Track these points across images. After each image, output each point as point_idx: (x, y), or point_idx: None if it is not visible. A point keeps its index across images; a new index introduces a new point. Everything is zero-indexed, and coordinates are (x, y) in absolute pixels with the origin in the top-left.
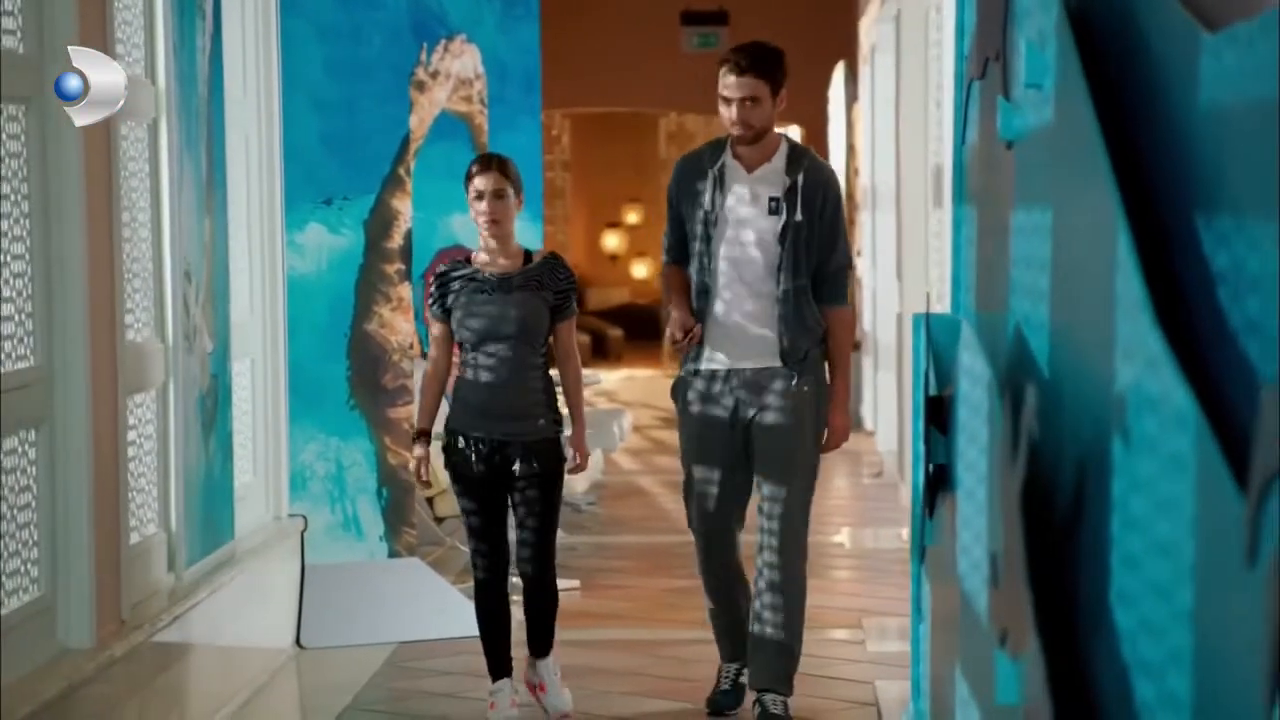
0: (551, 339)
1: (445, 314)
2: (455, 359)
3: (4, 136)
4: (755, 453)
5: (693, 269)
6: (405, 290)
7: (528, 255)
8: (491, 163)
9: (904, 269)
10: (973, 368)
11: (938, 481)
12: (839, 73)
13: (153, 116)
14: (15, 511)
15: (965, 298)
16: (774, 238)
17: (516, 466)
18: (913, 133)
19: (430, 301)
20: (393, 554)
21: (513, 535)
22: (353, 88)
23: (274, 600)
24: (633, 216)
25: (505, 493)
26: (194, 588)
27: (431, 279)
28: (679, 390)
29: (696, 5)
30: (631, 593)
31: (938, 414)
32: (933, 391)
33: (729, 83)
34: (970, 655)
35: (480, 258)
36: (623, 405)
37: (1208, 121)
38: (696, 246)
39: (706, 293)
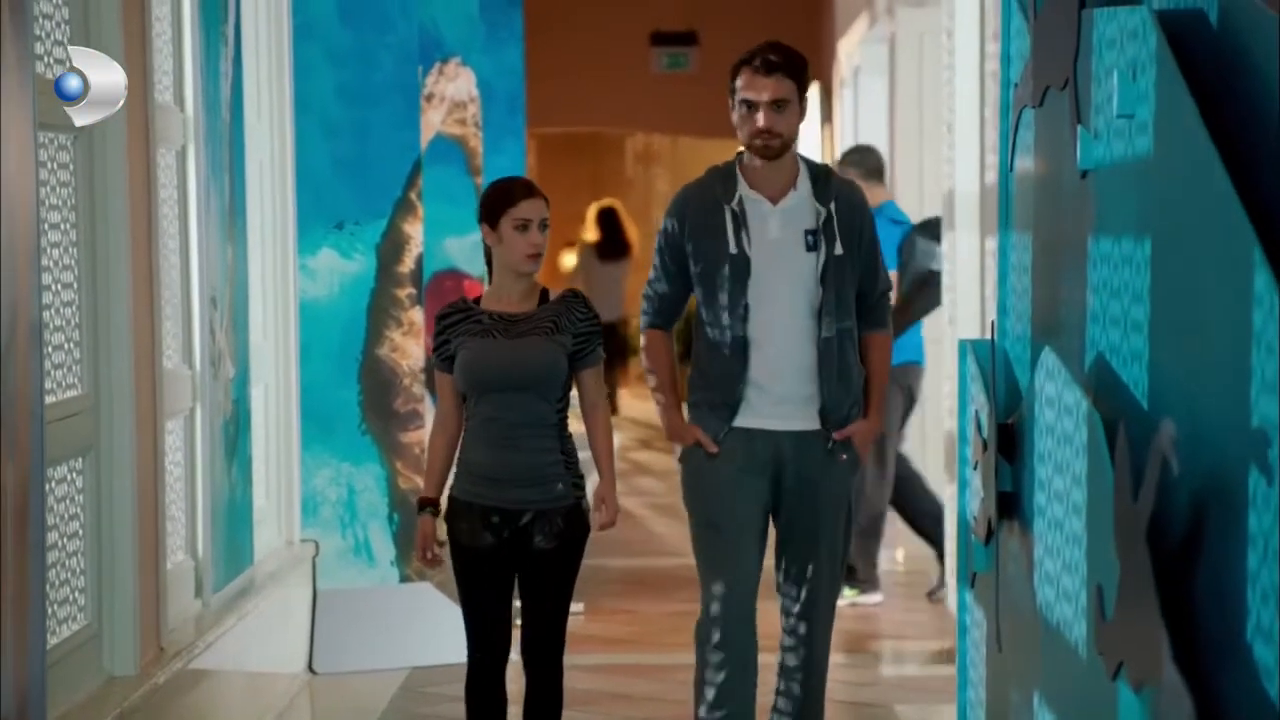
0: (575, 389)
1: (449, 363)
2: None
3: (54, 166)
4: (780, 528)
5: (716, 321)
6: (416, 314)
7: (544, 294)
8: (534, 188)
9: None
10: (1061, 397)
11: (1002, 509)
12: (812, 94)
13: (181, 144)
14: (65, 540)
15: (1017, 325)
16: (814, 277)
17: (535, 540)
18: (908, 156)
19: (434, 349)
20: (404, 579)
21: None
22: (364, 112)
23: (288, 625)
24: (590, 236)
25: (514, 569)
26: (221, 614)
27: (435, 323)
28: (696, 455)
29: (666, 26)
30: (634, 617)
31: (1005, 442)
32: (996, 420)
33: (756, 83)
34: (1059, 684)
35: (490, 296)
36: None
37: None
38: (721, 296)
39: (744, 348)
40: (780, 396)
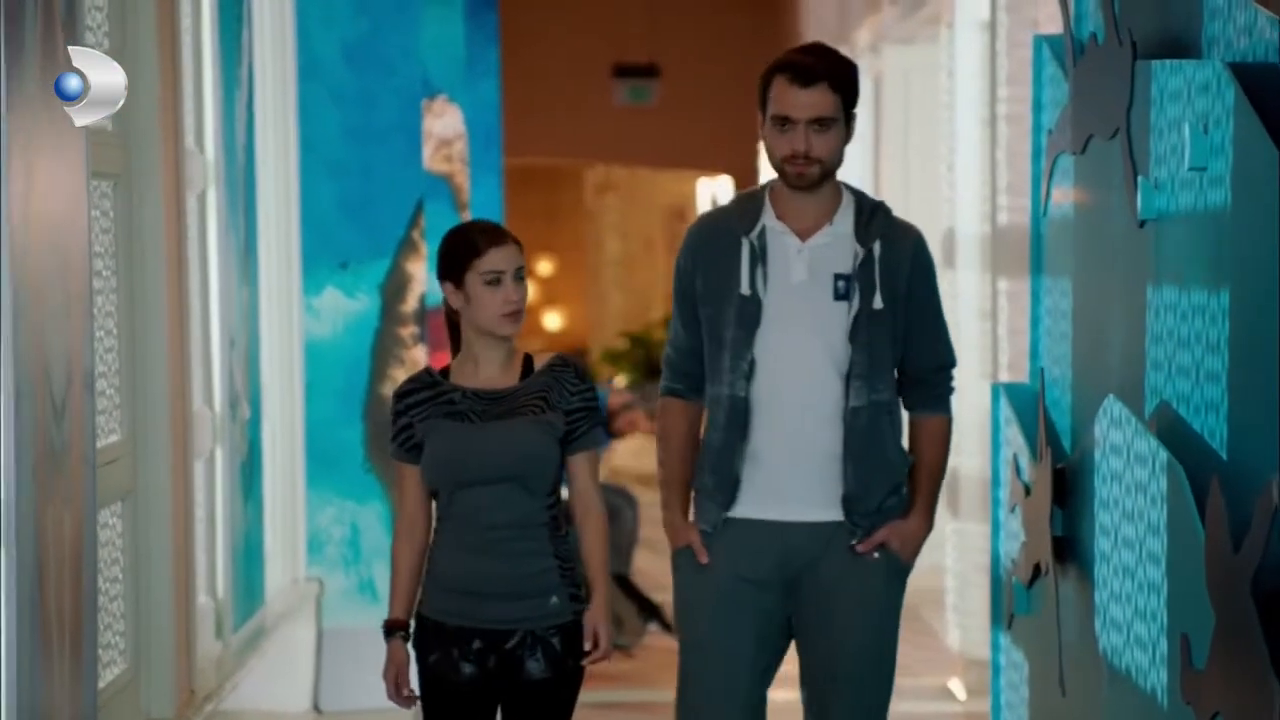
0: (564, 480)
1: (414, 452)
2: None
3: (97, 214)
4: (803, 651)
5: (718, 379)
6: (420, 353)
7: (528, 362)
8: (506, 233)
9: None
10: (1131, 445)
11: (1058, 551)
12: None
13: (202, 187)
14: (107, 584)
15: (1054, 370)
16: (842, 333)
17: (527, 668)
18: (893, 195)
19: (393, 435)
20: None
21: None
22: (368, 152)
23: (295, 664)
24: (545, 266)
25: (497, 702)
26: (240, 655)
27: (394, 402)
28: (687, 558)
29: (628, 59)
30: (636, 652)
31: (1060, 488)
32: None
33: (791, 97)
34: None
35: (461, 368)
36: None
37: None
38: (728, 348)
39: (744, 413)
40: (792, 479)
